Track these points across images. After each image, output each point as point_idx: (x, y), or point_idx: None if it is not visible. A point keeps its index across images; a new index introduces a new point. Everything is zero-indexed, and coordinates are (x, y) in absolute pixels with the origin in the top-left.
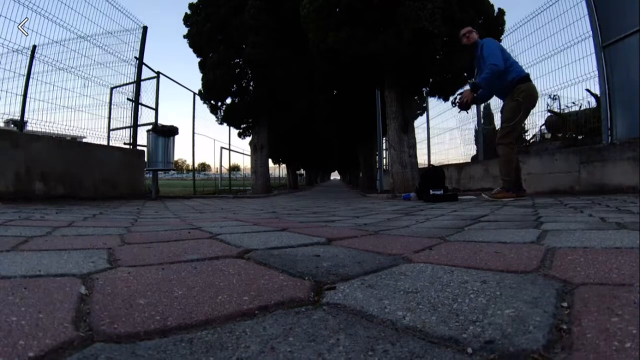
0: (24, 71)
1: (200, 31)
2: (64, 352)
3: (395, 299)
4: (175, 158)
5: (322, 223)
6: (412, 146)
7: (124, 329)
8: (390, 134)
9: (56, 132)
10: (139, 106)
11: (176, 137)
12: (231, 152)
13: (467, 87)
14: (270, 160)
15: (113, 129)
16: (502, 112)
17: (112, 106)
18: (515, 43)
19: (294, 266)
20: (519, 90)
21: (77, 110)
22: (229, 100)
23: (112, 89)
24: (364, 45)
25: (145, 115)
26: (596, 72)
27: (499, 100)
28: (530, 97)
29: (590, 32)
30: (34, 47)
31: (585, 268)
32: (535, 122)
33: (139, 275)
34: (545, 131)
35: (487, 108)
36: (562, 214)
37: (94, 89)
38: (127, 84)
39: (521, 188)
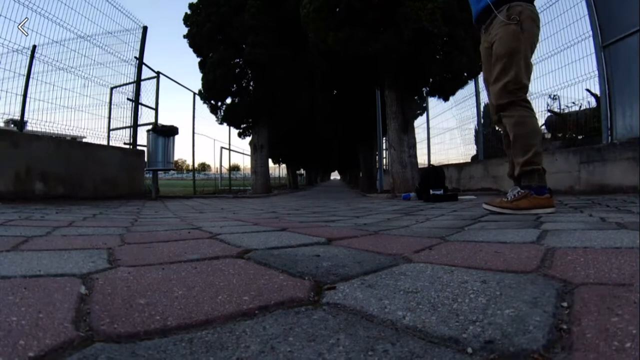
0: (24, 71)
1: (200, 31)
2: (64, 352)
3: (395, 298)
4: (175, 158)
5: (322, 223)
6: (412, 146)
7: (124, 329)
8: (390, 134)
9: (56, 132)
10: (139, 106)
11: (176, 137)
12: (231, 152)
13: None
14: (270, 160)
15: (113, 129)
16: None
17: (112, 106)
18: None
19: (294, 266)
20: (516, 8)
21: (77, 110)
22: (229, 100)
23: (112, 89)
24: (364, 45)
25: (145, 115)
26: (596, 72)
27: None
28: (534, 22)
29: (590, 32)
30: (34, 47)
31: (585, 268)
32: None
33: (139, 275)
34: (545, 131)
35: (487, 108)
36: (562, 214)
37: (94, 89)
38: (127, 84)
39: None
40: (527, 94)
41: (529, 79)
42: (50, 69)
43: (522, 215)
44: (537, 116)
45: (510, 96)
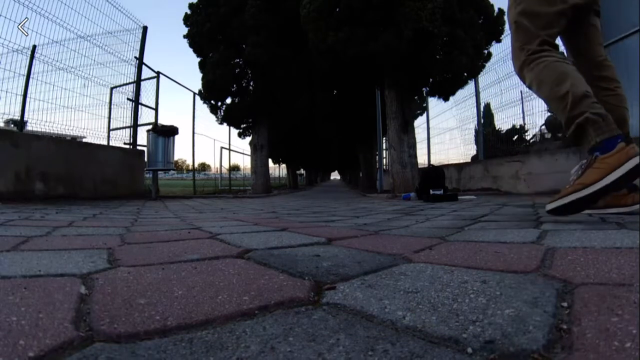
0: (24, 71)
1: (200, 31)
2: (64, 352)
3: (395, 298)
4: (175, 158)
5: (322, 223)
6: (412, 146)
7: (124, 329)
8: (390, 134)
9: (56, 132)
10: (139, 106)
11: (176, 137)
12: (231, 152)
13: None
14: (270, 160)
15: (113, 129)
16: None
17: (112, 106)
18: None
19: (294, 266)
20: None
21: (77, 110)
22: (229, 100)
23: (112, 88)
24: (364, 45)
25: (145, 115)
26: None
27: (498, 100)
28: None
29: None
30: (34, 47)
31: (585, 268)
32: (535, 122)
33: (139, 275)
34: (545, 131)
35: (487, 108)
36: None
37: (94, 89)
38: (127, 84)
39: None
40: (542, 42)
41: (535, 32)
42: (50, 69)
43: (595, 191)
44: (536, 117)
45: (520, 57)
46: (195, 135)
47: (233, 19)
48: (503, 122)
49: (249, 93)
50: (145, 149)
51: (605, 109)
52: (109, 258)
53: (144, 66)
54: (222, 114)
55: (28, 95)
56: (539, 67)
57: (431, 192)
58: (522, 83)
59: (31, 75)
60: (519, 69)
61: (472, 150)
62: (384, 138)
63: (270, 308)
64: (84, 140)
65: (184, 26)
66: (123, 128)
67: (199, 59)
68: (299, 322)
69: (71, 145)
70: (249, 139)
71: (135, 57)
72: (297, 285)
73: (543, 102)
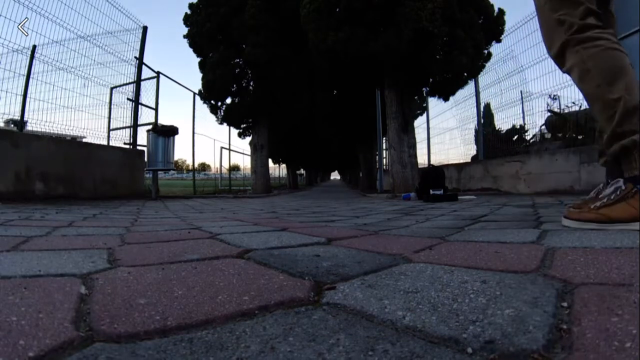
0: (24, 71)
1: (200, 31)
2: (64, 352)
3: (395, 298)
4: (175, 158)
5: (322, 223)
6: (412, 146)
7: (124, 329)
8: (390, 134)
9: (56, 132)
10: (139, 106)
11: (176, 137)
12: (231, 152)
13: None
14: (270, 160)
15: (113, 129)
16: None
17: (112, 106)
18: (515, 43)
19: (294, 266)
20: None
21: (77, 110)
22: (229, 100)
23: (112, 89)
24: (364, 45)
25: (145, 115)
26: None
27: (498, 100)
28: None
29: None
30: (34, 47)
31: (585, 268)
32: (535, 122)
33: (139, 275)
34: (545, 131)
35: (487, 108)
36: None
37: (94, 89)
38: (127, 84)
39: None
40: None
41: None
42: (50, 69)
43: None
44: (536, 117)
45: (560, 34)
46: (195, 135)
47: (233, 19)
48: (503, 122)
49: (249, 93)
50: (145, 149)
51: None
52: (109, 258)
53: (144, 66)
54: (222, 114)
55: (28, 95)
56: (588, 51)
57: (431, 192)
58: (522, 83)
59: (31, 75)
60: (559, 49)
61: (472, 150)
62: (384, 138)
63: (270, 308)
64: (84, 140)
65: (184, 26)
66: (123, 128)
67: (199, 59)
68: (299, 322)
69: (71, 145)
70: (249, 139)
71: (135, 57)
72: (297, 285)
73: (543, 102)
